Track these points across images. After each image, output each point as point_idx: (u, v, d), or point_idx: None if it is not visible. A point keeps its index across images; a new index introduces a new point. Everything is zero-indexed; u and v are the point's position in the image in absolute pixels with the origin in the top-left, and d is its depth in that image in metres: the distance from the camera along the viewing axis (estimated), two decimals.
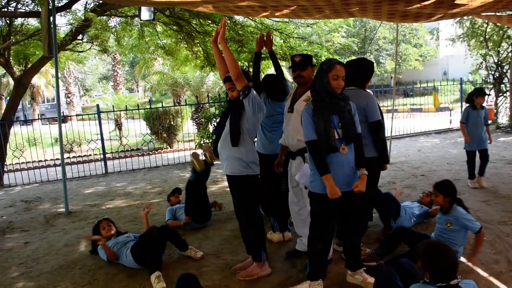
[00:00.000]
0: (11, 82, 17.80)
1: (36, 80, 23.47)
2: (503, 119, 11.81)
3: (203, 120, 10.87)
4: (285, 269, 3.62)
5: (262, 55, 5.12)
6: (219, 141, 3.48)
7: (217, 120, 10.02)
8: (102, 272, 3.85)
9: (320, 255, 3.11)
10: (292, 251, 3.87)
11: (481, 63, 12.49)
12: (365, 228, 3.89)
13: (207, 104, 11.27)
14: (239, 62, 9.39)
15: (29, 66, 9.49)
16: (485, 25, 11.65)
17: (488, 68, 12.19)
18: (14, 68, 9.51)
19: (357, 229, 3.19)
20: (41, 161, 10.76)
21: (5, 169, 9.21)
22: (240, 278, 3.47)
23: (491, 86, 12.12)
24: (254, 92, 3.23)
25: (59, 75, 6.95)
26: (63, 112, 24.48)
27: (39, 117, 23.07)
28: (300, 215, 3.76)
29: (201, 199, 4.88)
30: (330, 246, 3.26)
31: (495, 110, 11.99)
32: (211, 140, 9.97)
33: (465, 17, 11.06)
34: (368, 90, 3.73)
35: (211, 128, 10.33)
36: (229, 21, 8.95)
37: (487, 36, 11.77)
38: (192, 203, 4.81)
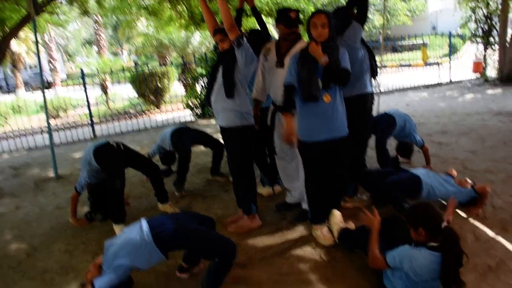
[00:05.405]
0: None
1: (16, 47, 22.83)
2: (491, 72, 11.81)
3: (190, 80, 10.72)
4: (275, 221, 3.68)
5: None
6: (211, 94, 3.44)
7: (204, 80, 9.91)
8: (96, 231, 3.89)
9: (318, 200, 3.19)
10: (281, 204, 3.92)
11: (470, 16, 12.32)
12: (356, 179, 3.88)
13: (194, 64, 11.08)
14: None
15: (6, 31, 9.16)
16: None
17: (477, 21, 12.04)
18: None
19: (340, 178, 3.21)
20: (27, 128, 10.60)
21: None
22: (231, 230, 3.53)
23: (480, 39, 12.03)
24: (247, 43, 3.17)
25: (39, 40, 6.67)
26: (46, 79, 23.96)
27: (22, 84, 22.57)
28: (286, 170, 3.78)
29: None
30: (329, 191, 3.25)
31: (483, 64, 11.96)
32: (199, 101, 9.89)
33: None
34: None
35: (198, 88, 10.21)
36: None
37: None
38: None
